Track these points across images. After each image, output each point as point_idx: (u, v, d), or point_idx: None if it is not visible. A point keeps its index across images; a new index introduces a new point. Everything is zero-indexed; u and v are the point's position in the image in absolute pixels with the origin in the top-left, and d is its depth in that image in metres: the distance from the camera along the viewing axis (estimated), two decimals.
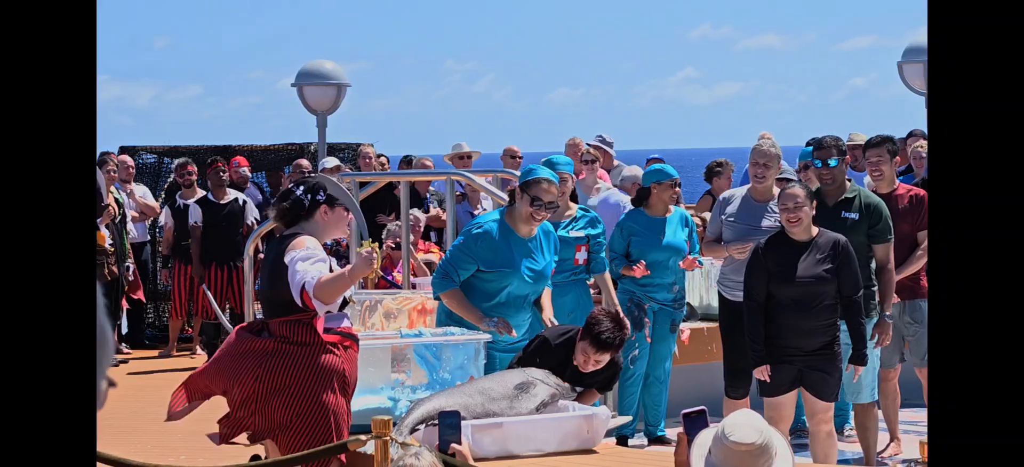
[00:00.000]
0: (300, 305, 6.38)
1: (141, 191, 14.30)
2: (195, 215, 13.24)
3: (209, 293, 13.16)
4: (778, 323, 7.84)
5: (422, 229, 12.98)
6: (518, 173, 9.90)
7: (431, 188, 14.35)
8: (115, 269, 12.84)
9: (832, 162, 8.61)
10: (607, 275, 8.96)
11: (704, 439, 4.61)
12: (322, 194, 6.58)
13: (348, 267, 6.49)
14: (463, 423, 6.69)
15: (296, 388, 6.44)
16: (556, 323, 7.85)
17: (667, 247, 9.45)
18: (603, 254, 8.99)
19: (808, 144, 9.01)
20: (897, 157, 9.39)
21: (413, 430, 6.60)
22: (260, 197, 14.14)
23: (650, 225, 9.48)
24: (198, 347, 13.69)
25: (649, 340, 9.55)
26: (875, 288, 8.52)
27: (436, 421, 6.68)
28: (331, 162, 13.93)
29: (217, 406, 6.84)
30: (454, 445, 5.84)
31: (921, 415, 8.91)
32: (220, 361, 6.64)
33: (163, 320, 14.59)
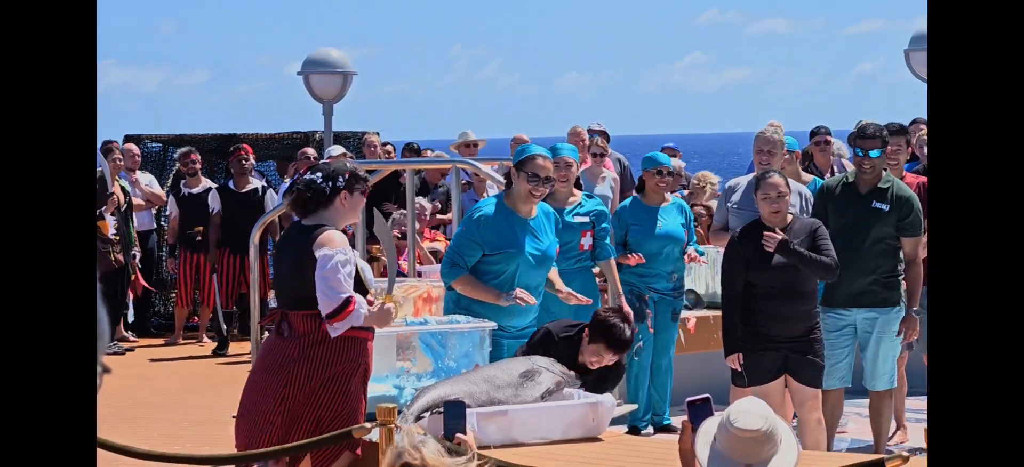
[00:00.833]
0: (323, 316, 6.36)
1: (147, 179, 14.31)
2: (215, 203, 13.26)
3: (215, 285, 13.17)
4: (758, 311, 7.86)
5: (428, 218, 12.98)
6: None
7: (442, 182, 14.34)
8: (120, 258, 12.85)
9: (874, 153, 8.47)
10: (613, 262, 8.94)
11: (709, 427, 4.61)
12: (342, 180, 6.56)
13: (378, 313, 6.45)
14: (468, 411, 6.68)
15: (324, 395, 6.41)
16: (573, 293, 7.87)
17: (663, 236, 9.44)
18: (609, 241, 8.98)
19: (850, 136, 8.85)
20: (910, 147, 9.36)
21: (418, 418, 6.60)
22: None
23: (646, 214, 9.48)
24: (204, 336, 13.70)
25: (652, 330, 9.55)
26: (902, 279, 8.51)
27: (441, 409, 6.68)
28: (337, 150, 13.92)
29: (220, 402, 6.84)
30: (459, 435, 5.84)
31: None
32: (255, 377, 6.62)
33: (169, 309, 14.60)
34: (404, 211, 10.95)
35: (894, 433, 9.35)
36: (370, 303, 6.50)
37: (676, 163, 13.88)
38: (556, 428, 6.83)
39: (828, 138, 11.62)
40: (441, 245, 12.61)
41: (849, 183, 8.56)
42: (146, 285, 13.95)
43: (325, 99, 15.56)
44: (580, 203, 8.92)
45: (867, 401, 8.79)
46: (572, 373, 7.21)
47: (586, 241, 8.85)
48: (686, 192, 13.00)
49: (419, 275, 10.29)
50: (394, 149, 15.32)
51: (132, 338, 13.80)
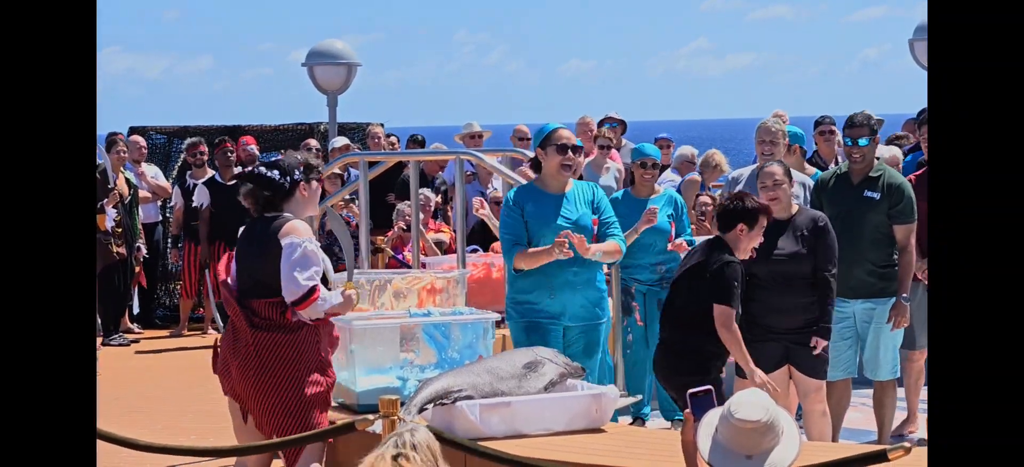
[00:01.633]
0: (288, 303, 6.41)
1: (153, 171, 14.31)
2: (202, 197, 13.24)
3: (209, 281, 13.17)
4: (758, 301, 7.86)
5: (432, 209, 12.97)
6: (528, 152, 9.88)
7: (439, 174, 14.33)
8: (122, 251, 12.85)
9: (863, 141, 8.55)
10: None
11: (711, 418, 4.61)
12: (299, 173, 6.62)
13: (336, 301, 6.50)
14: (471, 402, 6.70)
15: (285, 378, 6.46)
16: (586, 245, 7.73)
17: (652, 229, 9.37)
18: (616, 228, 8.87)
19: (844, 126, 8.91)
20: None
21: (421, 409, 6.60)
22: None
23: (633, 206, 9.43)
24: (210, 328, 13.71)
25: (641, 323, 9.49)
26: (896, 268, 8.52)
27: (445, 400, 6.69)
28: (340, 142, 13.92)
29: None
30: None
31: None
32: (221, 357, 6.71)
33: (174, 300, 14.61)
34: (409, 202, 10.95)
35: (905, 421, 9.35)
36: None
37: (689, 150, 13.86)
38: (559, 419, 6.84)
39: (832, 128, 11.62)
40: (445, 236, 12.61)
41: (842, 174, 8.64)
42: (142, 284, 13.92)
43: (329, 91, 15.57)
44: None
45: (871, 391, 8.81)
46: (577, 365, 7.21)
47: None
48: (698, 174, 12.98)
49: (423, 266, 10.29)
50: (398, 141, 15.32)
51: (137, 330, 13.80)
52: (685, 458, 4.87)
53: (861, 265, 8.41)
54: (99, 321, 12.44)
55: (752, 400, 4.46)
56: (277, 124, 15.55)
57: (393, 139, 14.94)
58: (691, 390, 4.80)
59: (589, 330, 7.82)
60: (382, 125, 14.93)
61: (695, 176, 12.85)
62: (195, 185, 13.49)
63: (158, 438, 7.58)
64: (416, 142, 15.35)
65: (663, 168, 13.14)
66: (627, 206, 9.42)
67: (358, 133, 15.18)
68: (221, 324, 13.14)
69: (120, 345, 12.76)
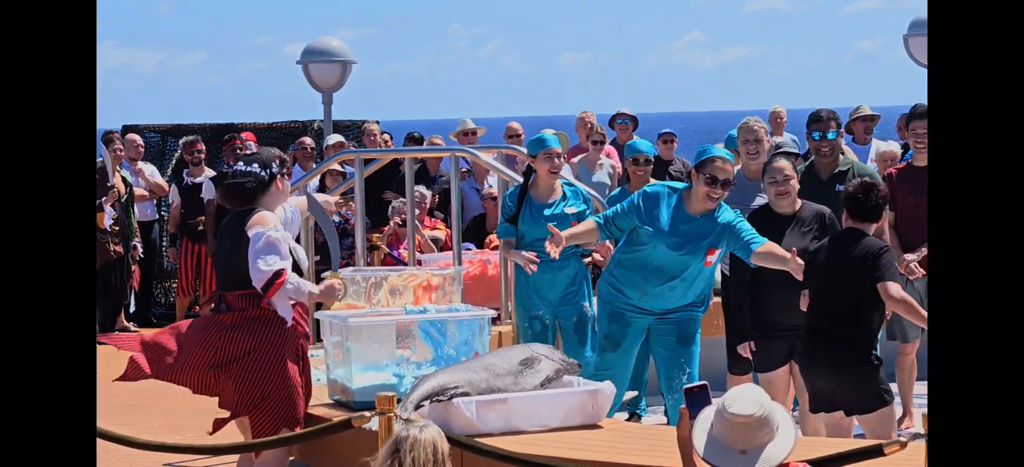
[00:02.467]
0: (259, 290, 6.59)
1: (150, 170, 14.32)
2: (210, 191, 13.26)
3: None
4: (765, 298, 7.87)
5: (428, 206, 12.98)
6: (523, 148, 9.91)
7: (441, 169, 14.35)
8: (119, 249, 12.86)
9: (830, 134, 8.72)
10: (609, 245, 8.91)
11: (706, 414, 4.63)
12: (276, 166, 6.83)
13: (315, 289, 6.72)
14: (468, 399, 6.71)
15: (257, 360, 6.65)
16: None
17: None
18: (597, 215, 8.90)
19: (808, 122, 9.03)
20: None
21: (418, 406, 6.62)
22: None
23: None
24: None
25: None
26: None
27: (441, 397, 6.70)
28: (334, 139, 13.93)
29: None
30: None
31: None
32: (179, 329, 6.91)
33: (170, 298, 14.62)
34: (404, 199, 10.96)
35: (900, 419, 9.34)
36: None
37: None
38: (555, 415, 6.86)
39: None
40: (441, 233, 12.61)
41: (808, 170, 8.79)
42: (135, 285, 13.92)
43: (325, 88, 15.57)
44: (563, 195, 8.84)
45: None
46: (573, 361, 7.23)
47: None
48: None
49: (419, 263, 10.30)
50: (391, 138, 15.33)
51: (134, 328, 13.80)
52: (681, 454, 4.88)
53: None
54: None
55: (746, 395, 4.47)
56: (272, 122, 15.56)
57: (387, 136, 14.95)
58: (686, 386, 4.82)
59: (683, 323, 7.97)
60: (378, 122, 14.94)
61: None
62: (193, 183, 13.50)
63: (156, 436, 7.59)
64: (413, 139, 15.35)
65: (667, 163, 13.16)
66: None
67: (353, 131, 15.18)
68: None
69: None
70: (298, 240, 7.27)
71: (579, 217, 8.66)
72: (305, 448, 7.51)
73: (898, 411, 9.27)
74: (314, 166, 12.86)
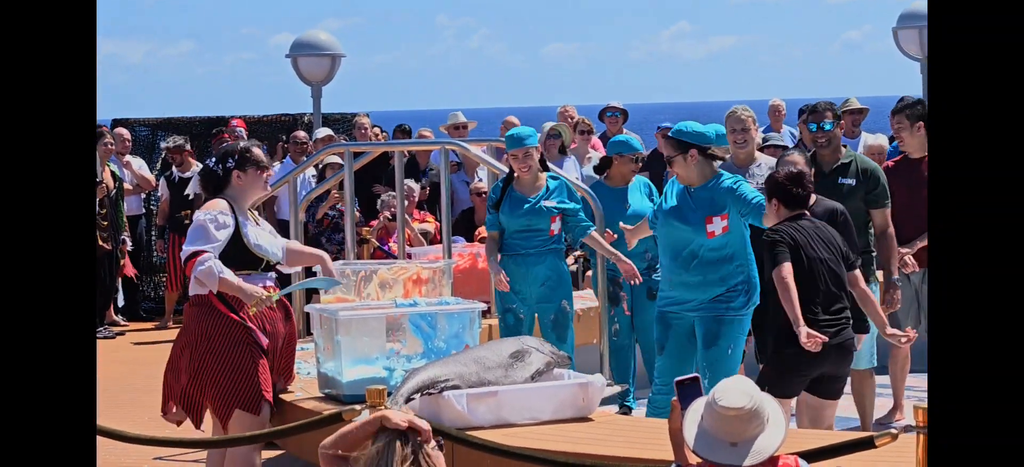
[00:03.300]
0: (183, 268, 6.75)
1: (138, 163, 14.30)
2: (196, 187, 13.24)
3: None
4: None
5: (417, 200, 12.98)
6: None
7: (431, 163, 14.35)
8: (107, 244, 12.85)
9: (827, 125, 8.58)
10: (595, 233, 8.86)
11: (697, 406, 4.62)
12: (231, 161, 6.82)
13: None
14: (458, 392, 6.71)
15: (206, 346, 6.69)
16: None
17: (633, 216, 9.31)
18: (581, 215, 8.86)
19: (800, 111, 9.00)
20: (920, 122, 9.27)
21: (408, 400, 6.62)
22: None
23: (612, 196, 9.39)
24: None
25: (629, 313, 9.47)
26: (875, 255, 8.52)
27: (431, 390, 6.70)
28: (323, 132, 13.91)
29: None
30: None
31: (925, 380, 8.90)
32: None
33: (159, 292, 14.60)
34: (394, 193, 10.95)
35: (891, 411, 9.34)
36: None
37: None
38: (546, 408, 6.86)
39: None
40: (431, 226, 12.61)
41: (809, 162, 8.66)
42: (133, 274, 13.91)
43: (314, 82, 15.55)
44: (546, 187, 8.82)
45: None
46: (563, 354, 7.23)
47: (555, 226, 8.78)
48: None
49: (409, 256, 10.29)
50: (382, 130, 15.32)
51: (122, 322, 13.79)
52: (672, 446, 4.88)
53: None
54: None
55: (736, 387, 4.46)
56: (261, 115, 15.54)
57: (377, 130, 14.94)
58: (678, 378, 4.81)
59: (707, 321, 7.72)
60: (368, 116, 14.93)
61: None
62: (181, 177, 13.48)
63: (145, 430, 7.58)
64: (403, 131, 15.35)
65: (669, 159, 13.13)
66: (602, 196, 9.37)
67: (343, 124, 15.16)
68: None
69: (106, 337, 12.75)
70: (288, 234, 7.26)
71: (561, 211, 8.67)
72: (294, 442, 7.50)
73: (888, 403, 9.29)
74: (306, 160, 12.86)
